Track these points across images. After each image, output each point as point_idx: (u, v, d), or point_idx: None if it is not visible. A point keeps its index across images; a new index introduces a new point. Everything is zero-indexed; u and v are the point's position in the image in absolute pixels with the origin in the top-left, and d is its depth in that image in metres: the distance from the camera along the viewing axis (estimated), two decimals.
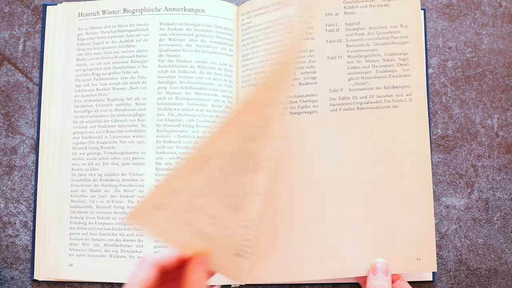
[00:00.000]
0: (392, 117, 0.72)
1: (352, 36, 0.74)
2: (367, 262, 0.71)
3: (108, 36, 0.76)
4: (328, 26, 0.74)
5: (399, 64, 0.73)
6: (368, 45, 0.73)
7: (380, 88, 0.73)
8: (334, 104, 0.73)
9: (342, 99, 0.73)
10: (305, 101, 0.73)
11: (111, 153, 0.74)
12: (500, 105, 0.78)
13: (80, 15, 0.77)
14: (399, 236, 0.71)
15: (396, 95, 0.72)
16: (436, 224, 0.75)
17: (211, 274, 0.61)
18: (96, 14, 0.77)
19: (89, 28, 0.77)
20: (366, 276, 0.71)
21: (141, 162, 0.73)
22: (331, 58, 0.74)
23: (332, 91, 0.73)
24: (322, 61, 0.74)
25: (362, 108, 0.73)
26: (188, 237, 0.61)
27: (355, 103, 0.73)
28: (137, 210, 0.59)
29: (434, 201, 0.76)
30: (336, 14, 0.74)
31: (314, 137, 0.73)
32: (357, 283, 0.74)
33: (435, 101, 0.77)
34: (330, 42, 0.74)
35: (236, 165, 0.58)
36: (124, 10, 0.77)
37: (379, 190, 0.72)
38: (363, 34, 0.73)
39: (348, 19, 0.74)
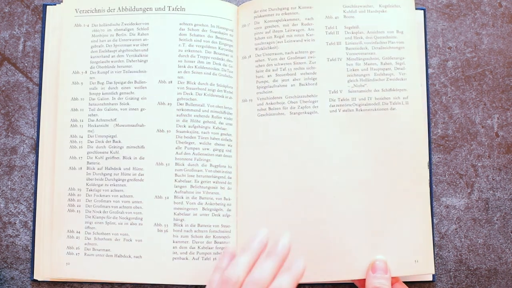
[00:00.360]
0: (389, 119, 0.73)
1: (351, 39, 0.75)
2: (364, 264, 0.71)
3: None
4: (328, 28, 0.75)
5: (396, 68, 0.74)
6: (366, 48, 0.75)
7: (378, 90, 0.74)
8: (334, 105, 0.74)
9: (341, 100, 0.74)
10: (305, 102, 0.74)
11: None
12: (500, 105, 0.78)
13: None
14: (397, 238, 0.71)
15: (394, 98, 0.73)
16: (436, 224, 0.75)
17: None
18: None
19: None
20: (364, 279, 0.71)
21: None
22: (331, 60, 0.75)
23: (332, 92, 0.74)
24: (322, 62, 0.75)
25: (361, 110, 0.73)
26: (117, 265, 0.71)
27: (354, 104, 0.74)
28: (53, 267, 0.72)
29: (434, 201, 0.76)
30: (336, 17, 0.75)
31: (313, 137, 0.73)
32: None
33: (435, 101, 0.77)
34: (330, 44, 0.75)
35: None
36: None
37: (376, 191, 0.72)
38: (361, 37, 0.75)
39: (347, 22, 0.75)
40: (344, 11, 0.75)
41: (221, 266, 0.64)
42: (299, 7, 0.75)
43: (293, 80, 0.74)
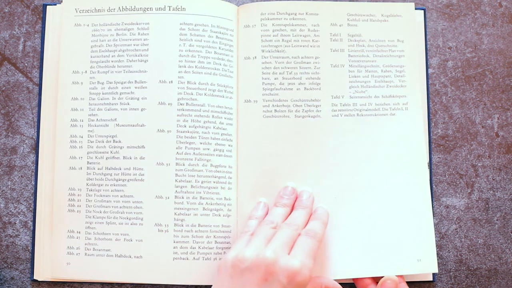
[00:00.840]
0: (389, 124, 0.75)
1: (354, 46, 0.77)
2: (366, 264, 0.72)
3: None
4: (333, 35, 0.77)
5: (396, 76, 0.76)
6: (368, 56, 0.77)
7: (378, 96, 0.76)
8: (336, 110, 0.75)
9: (343, 105, 0.75)
10: (309, 106, 0.75)
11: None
12: (500, 105, 0.78)
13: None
14: (399, 237, 0.72)
15: (393, 104, 0.75)
16: (436, 224, 0.76)
17: None
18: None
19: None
20: (364, 279, 0.72)
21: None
22: (334, 66, 0.76)
23: (334, 98, 0.76)
24: (326, 68, 0.76)
25: (362, 115, 0.75)
26: (117, 265, 0.72)
27: (355, 109, 0.75)
28: (54, 267, 0.73)
29: (434, 201, 0.76)
30: (340, 25, 0.77)
31: (315, 140, 0.75)
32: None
33: (435, 101, 0.77)
34: (333, 51, 0.77)
35: None
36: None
37: (377, 193, 0.73)
38: (363, 45, 0.77)
39: (350, 30, 0.77)
40: (348, 19, 0.77)
41: (256, 214, 0.72)
42: (306, 13, 0.77)
43: (299, 84, 0.76)
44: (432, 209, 0.75)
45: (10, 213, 0.76)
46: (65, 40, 0.76)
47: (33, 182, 0.76)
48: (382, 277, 0.71)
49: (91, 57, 0.76)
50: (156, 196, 0.73)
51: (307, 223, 0.70)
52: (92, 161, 0.74)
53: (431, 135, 0.77)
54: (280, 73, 0.76)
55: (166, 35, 0.76)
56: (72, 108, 0.75)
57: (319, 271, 0.71)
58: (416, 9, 0.78)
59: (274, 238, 0.66)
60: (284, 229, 0.67)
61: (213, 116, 0.74)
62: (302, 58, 0.76)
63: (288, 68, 0.76)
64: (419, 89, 0.76)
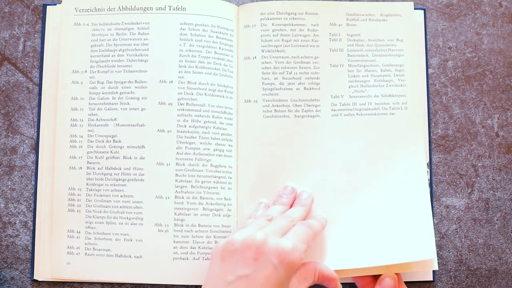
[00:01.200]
0: (389, 123, 0.75)
1: (353, 46, 0.77)
2: (364, 254, 0.71)
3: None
4: (332, 35, 0.77)
5: (395, 75, 0.76)
6: (367, 55, 0.77)
7: (378, 96, 0.76)
8: (335, 110, 0.75)
9: (342, 105, 0.76)
10: (309, 105, 0.75)
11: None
12: (500, 105, 0.78)
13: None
14: (398, 231, 0.72)
15: (393, 103, 0.76)
16: (436, 224, 0.76)
17: None
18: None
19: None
20: (363, 277, 0.72)
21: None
22: (333, 66, 0.76)
23: (334, 97, 0.76)
24: (325, 68, 0.76)
25: (361, 114, 0.75)
26: (117, 265, 0.72)
27: (354, 109, 0.75)
28: (53, 267, 0.73)
29: (434, 201, 0.76)
30: (339, 25, 0.77)
31: (315, 140, 0.75)
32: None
33: (435, 101, 0.77)
34: (333, 50, 0.77)
35: None
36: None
37: (377, 192, 0.73)
38: (362, 45, 0.77)
39: (350, 30, 0.77)
40: (347, 19, 0.77)
41: (256, 214, 0.72)
42: (306, 13, 0.77)
43: (298, 84, 0.76)
44: (432, 209, 0.75)
45: (10, 213, 0.76)
46: (65, 40, 0.76)
47: (33, 182, 0.76)
48: (381, 275, 0.71)
49: (91, 56, 0.76)
50: (156, 196, 0.73)
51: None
52: (92, 161, 0.74)
53: (431, 135, 0.77)
54: (280, 73, 0.76)
55: (166, 35, 0.76)
56: (72, 108, 0.75)
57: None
58: (416, 9, 0.78)
59: (268, 225, 0.65)
60: (278, 219, 0.67)
61: (213, 116, 0.74)
62: (301, 58, 0.76)
63: (288, 68, 0.76)
64: (418, 88, 0.76)
